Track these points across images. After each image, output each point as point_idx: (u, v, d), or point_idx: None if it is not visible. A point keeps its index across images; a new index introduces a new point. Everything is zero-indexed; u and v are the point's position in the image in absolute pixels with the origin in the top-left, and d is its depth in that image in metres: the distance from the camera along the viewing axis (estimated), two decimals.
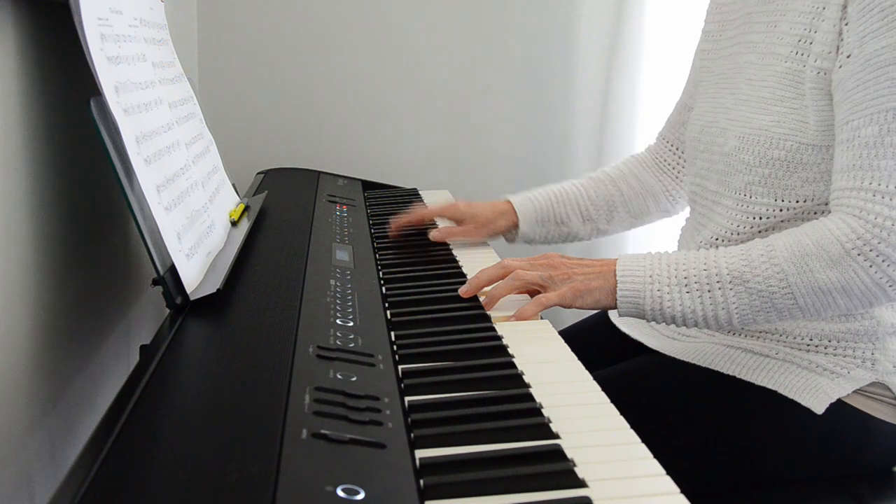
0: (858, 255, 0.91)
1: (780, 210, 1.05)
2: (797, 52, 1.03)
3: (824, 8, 0.99)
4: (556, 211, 1.33)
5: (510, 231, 1.35)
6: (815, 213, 1.04)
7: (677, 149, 1.36)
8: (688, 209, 1.28)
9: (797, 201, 1.04)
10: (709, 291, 0.96)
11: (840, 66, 0.97)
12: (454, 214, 1.36)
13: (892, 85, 0.91)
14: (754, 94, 1.08)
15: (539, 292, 1.02)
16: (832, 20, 0.98)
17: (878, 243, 0.90)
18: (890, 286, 0.91)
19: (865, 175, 0.93)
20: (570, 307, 0.99)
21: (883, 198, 0.91)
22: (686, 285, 0.97)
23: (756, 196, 1.07)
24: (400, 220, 1.36)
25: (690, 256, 0.98)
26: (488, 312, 0.99)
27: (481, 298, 1.03)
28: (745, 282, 0.95)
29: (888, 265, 0.90)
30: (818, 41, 0.99)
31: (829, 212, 1.00)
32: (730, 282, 0.95)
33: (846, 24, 0.96)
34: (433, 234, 1.32)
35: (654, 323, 1.23)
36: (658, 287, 0.97)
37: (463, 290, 1.03)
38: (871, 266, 0.91)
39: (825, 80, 0.99)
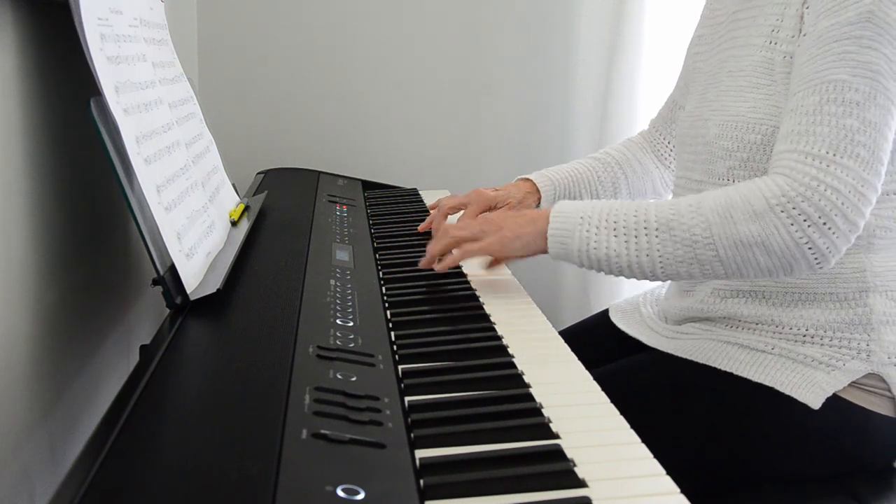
0: (781, 211, 0.93)
1: None
2: (770, 41, 1.07)
3: None
4: (570, 190, 1.39)
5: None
6: None
7: (668, 141, 1.41)
8: None
9: None
10: (635, 237, 0.99)
11: (798, 46, 1.01)
12: (487, 203, 1.34)
13: (837, 59, 0.95)
14: (733, 84, 1.12)
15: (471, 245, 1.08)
16: (795, 5, 1.03)
17: (802, 202, 0.92)
18: (809, 248, 0.93)
19: (801, 139, 0.95)
20: (499, 257, 1.05)
21: (814, 160, 0.93)
22: (614, 229, 1.00)
23: (738, 180, 1.09)
24: (431, 221, 1.38)
25: (624, 204, 1.02)
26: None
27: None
28: (671, 229, 0.97)
29: (808, 225, 0.92)
30: (784, 27, 1.05)
31: None
32: (656, 228, 0.98)
33: (807, 8, 1.01)
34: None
35: (651, 321, 1.24)
36: (587, 228, 1.01)
37: (421, 263, 1.12)
38: (791, 223, 0.93)
39: (791, 63, 1.03)
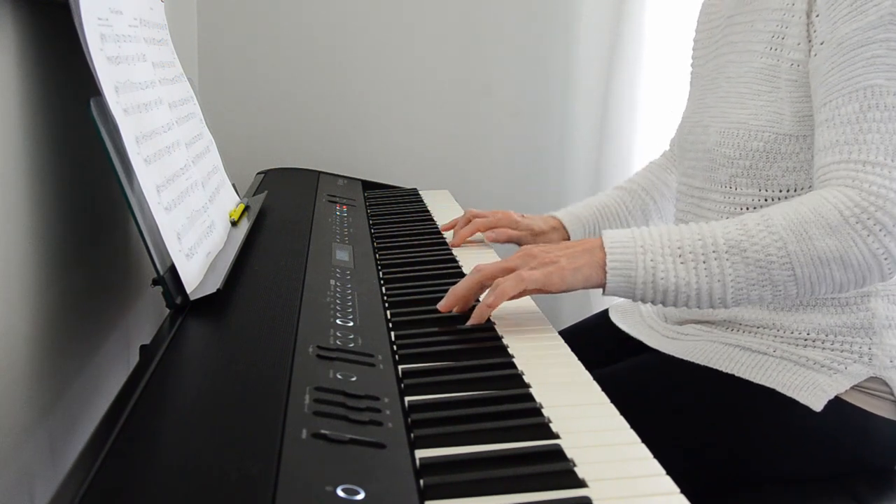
0: (857, 223, 0.90)
1: (765, 200, 1.07)
2: (771, 48, 1.06)
3: (793, 3, 1.03)
4: (599, 224, 1.36)
5: None
6: None
7: None
8: None
9: (780, 191, 1.06)
10: (704, 262, 0.92)
11: (815, 55, 0.99)
12: (510, 224, 1.34)
13: (867, 64, 0.93)
14: (733, 90, 1.11)
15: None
16: (801, 12, 1.02)
17: (876, 211, 0.90)
18: (885, 258, 0.91)
19: (853, 148, 0.93)
20: (557, 291, 0.94)
21: (874, 168, 0.91)
22: (680, 255, 0.92)
23: (741, 188, 1.08)
24: (461, 235, 1.34)
25: (682, 228, 0.95)
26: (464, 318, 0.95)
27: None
28: (743, 251, 0.92)
29: (885, 234, 0.90)
30: (790, 35, 1.03)
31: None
32: (726, 251, 0.92)
33: (817, 16, 1.00)
34: (489, 236, 1.33)
35: (651, 321, 1.24)
36: (651, 257, 0.93)
37: (441, 305, 0.97)
38: (868, 235, 0.90)
39: (799, 71, 1.02)
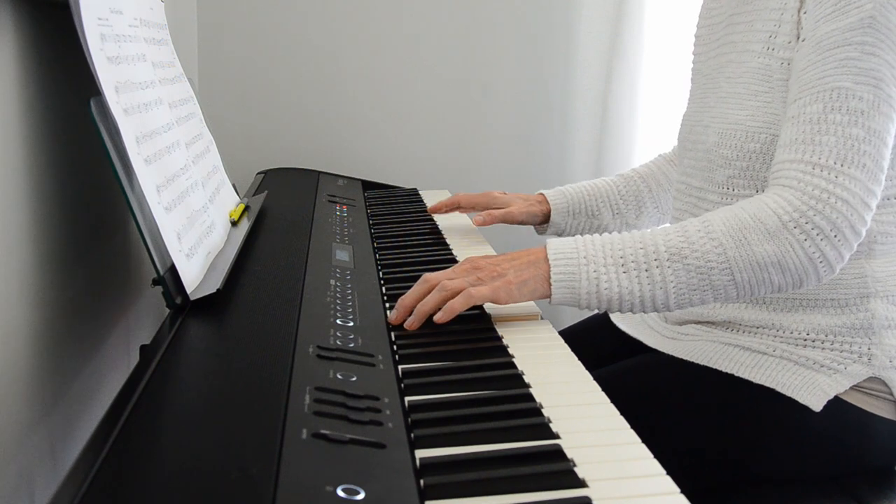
0: (795, 227, 0.91)
1: None
2: (767, 48, 1.06)
3: (786, 3, 1.04)
4: (587, 204, 1.40)
5: (542, 221, 1.42)
6: None
7: None
8: None
9: None
10: (646, 270, 0.93)
11: (797, 51, 1.00)
12: (491, 202, 1.43)
13: (838, 65, 0.94)
14: (732, 90, 1.11)
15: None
16: (792, 11, 1.02)
17: (814, 215, 0.91)
18: (821, 262, 0.92)
19: (807, 149, 0.94)
20: (504, 303, 0.95)
21: (822, 171, 0.92)
22: (623, 265, 0.93)
23: (738, 189, 1.09)
24: (438, 205, 1.47)
25: (625, 237, 0.96)
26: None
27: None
28: (684, 258, 0.93)
29: (821, 239, 0.91)
30: (781, 33, 1.03)
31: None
32: (668, 259, 0.93)
33: (804, 13, 1.00)
34: (477, 220, 1.39)
35: (651, 321, 1.24)
36: (594, 268, 0.93)
37: (392, 317, 0.94)
38: (806, 239, 0.91)
39: (789, 69, 1.02)
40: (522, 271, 0.95)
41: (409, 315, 0.94)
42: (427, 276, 0.97)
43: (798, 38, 1.01)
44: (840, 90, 0.93)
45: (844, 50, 0.94)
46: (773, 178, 0.97)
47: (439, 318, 0.92)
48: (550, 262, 0.95)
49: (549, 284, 0.94)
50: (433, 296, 0.94)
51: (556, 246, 0.96)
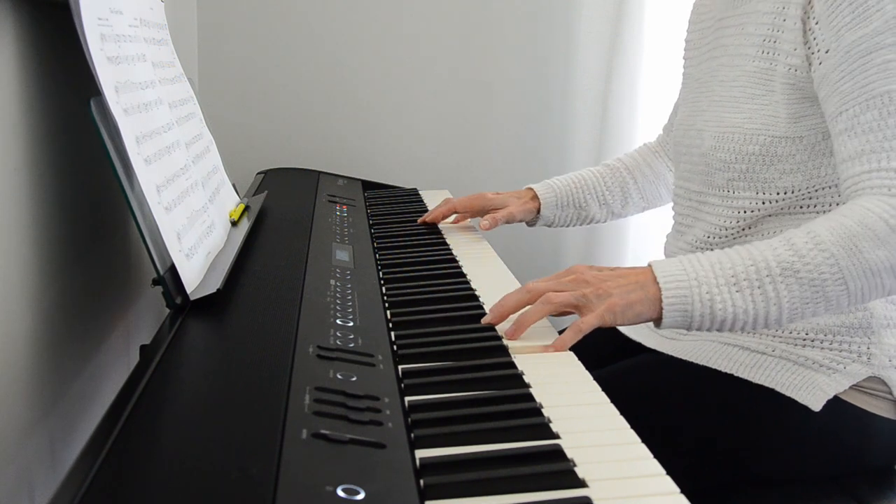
0: None
1: (763, 203, 1.08)
2: (763, 52, 1.06)
3: (785, 7, 1.04)
4: (575, 196, 1.42)
5: (533, 215, 1.43)
6: (801, 206, 1.07)
7: None
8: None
9: (778, 193, 1.07)
10: (759, 287, 0.90)
11: (820, 63, 0.99)
12: (487, 204, 1.44)
13: (879, 70, 0.94)
14: (726, 94, 1.11)
15: (569, 313, 0.95)
16: (794, 18, 1.02)
17: None
18: None
19: (881, 157, 0.93)
20: (611, 327, 0.92)
21: None
22: (735, 283, 0.90)
23: (738, 191, 1.09)
24: (433, 214, 1.46)
25: (730, 254, 0.93)
26: (507, 343, 0.91)
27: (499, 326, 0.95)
28: (796, 272, 0.90)
29: None
30: (784, 39, 1.03)
31: (816, 202, 1.05)
32: (780, 274, 0.90)
33: (816, 23, 0.99)
34: (484, 225, 1.40)
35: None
36: (707, 289, 0.90)
37: (486, 319, 0.94)
38: None
39: (796, 75, 1.02)
40: (629, 294, 0.92)
41: (497, 317, 0.93)
42: (530, 285, 0.95)
43: (808, 46, 1.00)
44: (890, 94, 0.93)
45: (880, 54, 0.93)
46: (855, 190, 0.95)
47: (556, 344, 0.90)
48: (661, 284, 0.92)
49: (661, 308, 0.91)
50: (537, 308, 0.92)
51: (663, 268, 0.93)
